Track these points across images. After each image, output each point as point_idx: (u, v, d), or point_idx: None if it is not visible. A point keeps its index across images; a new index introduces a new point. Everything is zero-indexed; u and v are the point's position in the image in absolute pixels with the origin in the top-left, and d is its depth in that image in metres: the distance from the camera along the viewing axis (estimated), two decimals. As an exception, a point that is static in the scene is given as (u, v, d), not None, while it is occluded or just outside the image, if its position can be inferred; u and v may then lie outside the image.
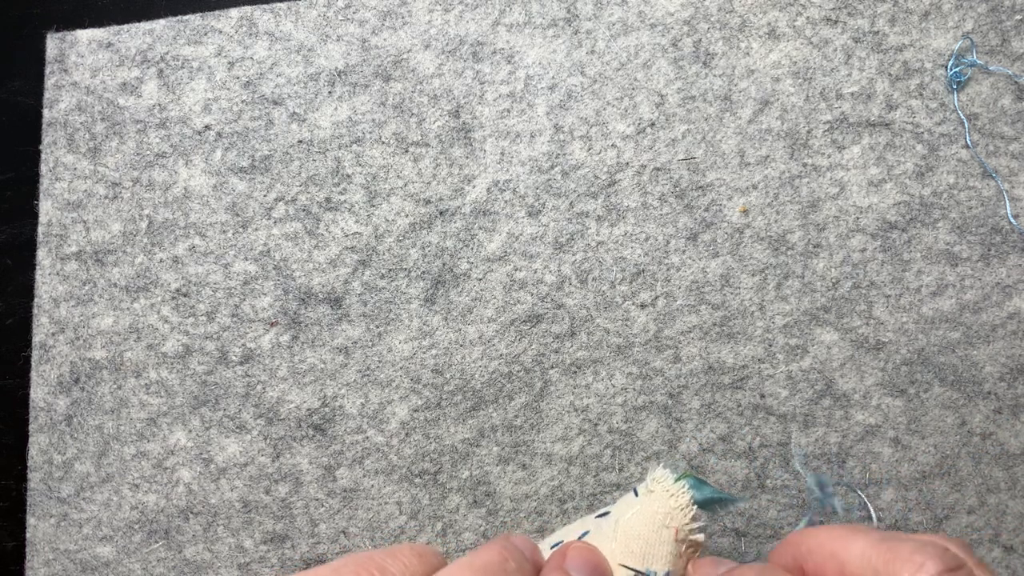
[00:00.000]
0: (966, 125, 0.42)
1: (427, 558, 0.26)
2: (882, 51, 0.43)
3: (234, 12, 0.47)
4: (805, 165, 0.43)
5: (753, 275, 0.42)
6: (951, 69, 0.42)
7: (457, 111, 0.45)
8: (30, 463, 0.45)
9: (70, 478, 0.45)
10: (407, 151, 0.45)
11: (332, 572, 0.24)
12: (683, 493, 0.31)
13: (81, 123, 0.47)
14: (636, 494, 0.32)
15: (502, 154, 0.44)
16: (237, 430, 0.44)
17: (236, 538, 0.44)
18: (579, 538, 0.32)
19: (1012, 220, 0.41)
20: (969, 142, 0.42)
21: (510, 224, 0.44)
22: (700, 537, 0.31)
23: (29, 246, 0.47)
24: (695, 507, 0.31)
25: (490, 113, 0.45)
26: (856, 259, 0.42)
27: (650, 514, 0.30)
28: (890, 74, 0.43)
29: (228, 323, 0.45)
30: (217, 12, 0.47)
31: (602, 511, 0.34)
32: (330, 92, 0.46)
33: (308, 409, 0.44)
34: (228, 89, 0.47)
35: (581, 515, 0.42)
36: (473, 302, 0.44)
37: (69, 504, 0.45)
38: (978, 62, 0.41)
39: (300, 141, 0.46)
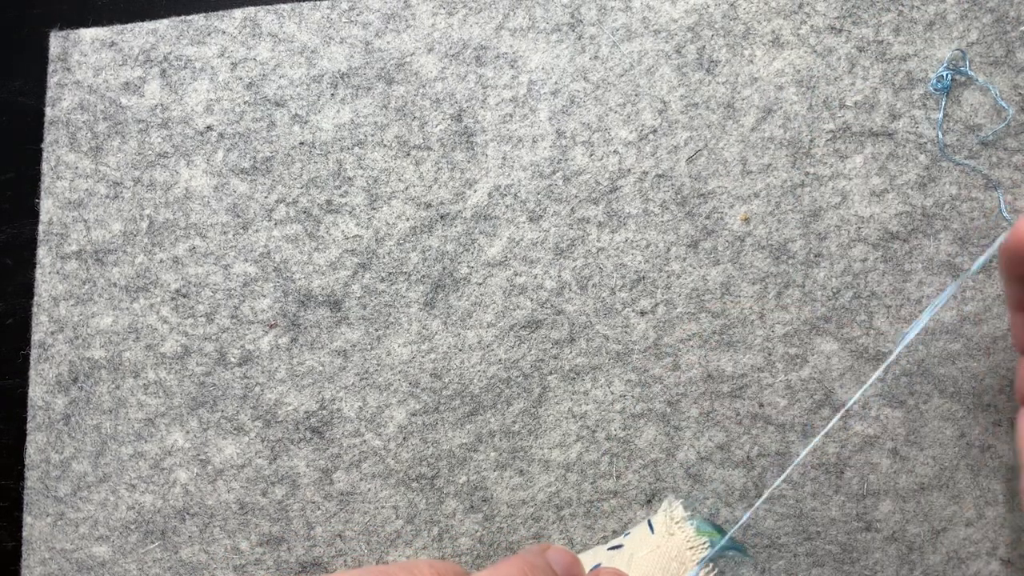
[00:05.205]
0: (939, 137, 0.42)
1: (446, 574, 0.26)
2: (886, 61, 0.43)
3: (238, 13, 0.47)
4: (807, 174, 0.43)
5: (753, 283, 0.42)
6: (935, 75, 0.42)
7: (459, 115, 0.45)
8: (27, 462, 0.45)
9: (67, 477, 0.45)
10: (409, 154, 0.45)
11: None
12: (703, 547, 0.31)
13: (83, 122, 0.47)
14: (651, 528, 0.32)
15: (504, 159, 0.44)
16: (235, 432, 0.44)
17: (232, 540, 0.44)
18: (592, 569, 0.32)
19: (1005, 214, 0.41)
20: (942, 138, 0.42)
21: (511, 229, 0.44)
22: None
23: (30, 245, 0.47)
24: (711, 564, 0.31)
25: (492, 117, 0.45)
26: (857, 269, 0.42)
27: (666, 559, 0.31)
28: (893, 84, 0.43)
29: (227, 324, 0.45)
30: (221, 12, 0.47)
31: (614, 543, 0.34)
32: (332, 94, 0.46)
33: (306, 412, 0.44)
34: (231, 90, 0.46)
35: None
36: (473, 307, 0.44)
37: (66, 503, 0.45)
38: (970, 72, 0.41)
39: (302, 143, 0.46)
